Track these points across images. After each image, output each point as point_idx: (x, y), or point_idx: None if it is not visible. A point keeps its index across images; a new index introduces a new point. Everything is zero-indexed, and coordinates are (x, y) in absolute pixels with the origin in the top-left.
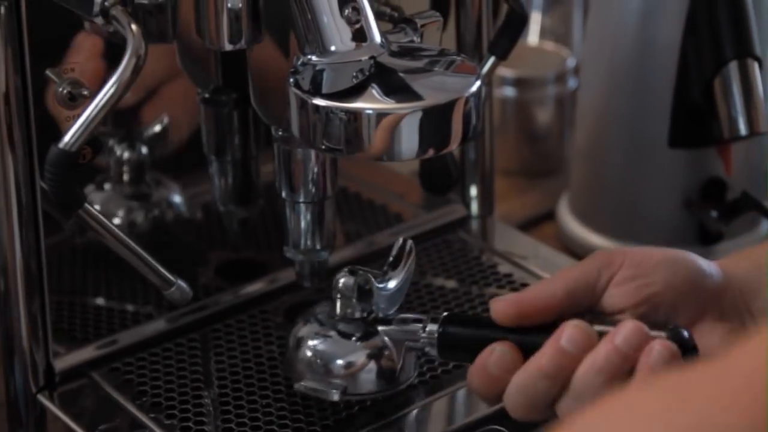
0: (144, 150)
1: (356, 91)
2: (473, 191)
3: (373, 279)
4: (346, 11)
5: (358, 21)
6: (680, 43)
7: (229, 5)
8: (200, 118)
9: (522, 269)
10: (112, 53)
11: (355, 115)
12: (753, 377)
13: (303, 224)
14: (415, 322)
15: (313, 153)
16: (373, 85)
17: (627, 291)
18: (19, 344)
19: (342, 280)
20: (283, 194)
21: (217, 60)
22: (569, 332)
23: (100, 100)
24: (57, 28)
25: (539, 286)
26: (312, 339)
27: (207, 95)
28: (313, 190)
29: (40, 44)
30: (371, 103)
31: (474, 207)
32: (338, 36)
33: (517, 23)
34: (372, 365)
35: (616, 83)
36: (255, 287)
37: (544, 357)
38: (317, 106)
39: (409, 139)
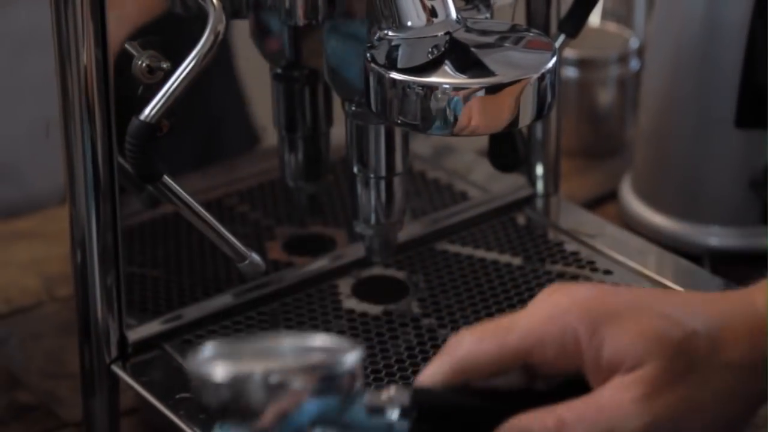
0: None
1: (432, 66)
2: (539, 170)
3: None
4: None
5: None
6: (749, 22)
7: None
8: (272, 93)
9: (588, 247)
10: (191, 28)
11: (432, 90)
12: None
13: (374, 199)
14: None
15: (384, 128)
16: (449, 60)
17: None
18: (95, 316)
19: None
20: (355, 169)
21: (291, 35)
22: None
23: (180, 74)
24: (137, 1)
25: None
26: None
27: (279, 71)
28: (385, 164)
29: (121, 18)
30: (447, 78)
31: (540, 185)
32: (414, 11)
33: (589, 1)
34: None
35: (683, 63)
36: (323, 262)
37: None
38: (394, 81)
39: (483, 115)
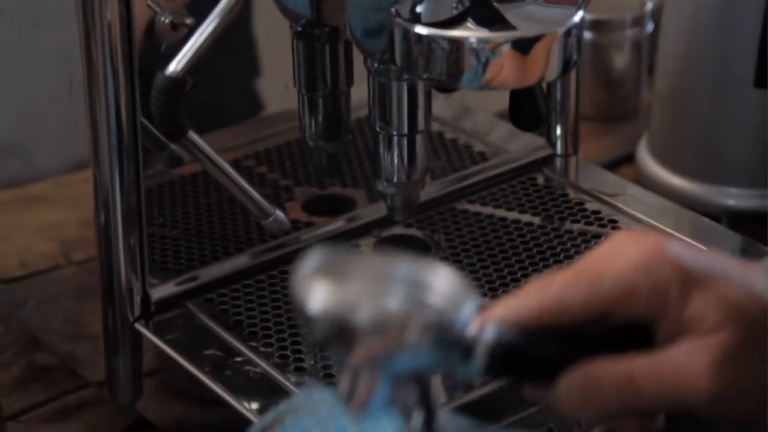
0: None
1: (457, 20)
2: (558, 130)
3: None
4: None
5: None
6: None
7: None
8: (292, 51)
9: (609, 206)
10: None
11: (458, 44)
12: None
13: (396, 157)
14: None
15: (407, 85)
16: (474, 15)
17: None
18: (118, 275)
19: None
20: (377, 127)
21: None
22: None
23: (204, 30)
24: None
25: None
26: None
27: (299, 29)
28: (407, 122)
29: None
30: (473, 32)
31: (559, 146)
32: None
33: None
34: None
35: (701, 24)
36: (343, 222)
37: None
38: (420, 35)
39: (509, 69)
